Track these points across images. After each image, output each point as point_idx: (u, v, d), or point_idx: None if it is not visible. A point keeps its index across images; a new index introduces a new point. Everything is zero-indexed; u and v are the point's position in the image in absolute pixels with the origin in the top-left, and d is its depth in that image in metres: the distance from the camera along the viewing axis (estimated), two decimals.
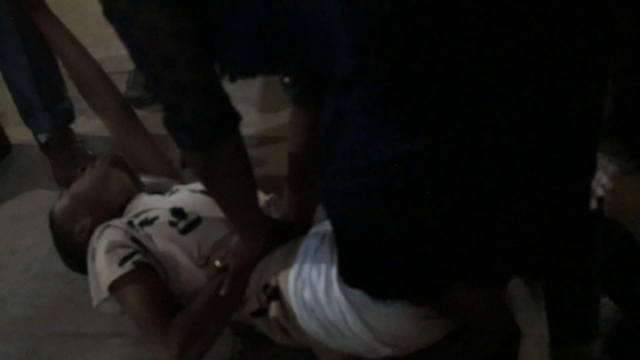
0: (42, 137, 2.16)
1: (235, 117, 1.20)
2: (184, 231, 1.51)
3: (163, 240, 1.50)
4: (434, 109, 0.98)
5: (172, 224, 1.52)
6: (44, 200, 2.11)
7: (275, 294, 1.43)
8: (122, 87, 2.35)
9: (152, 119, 2.14)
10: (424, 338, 1.39)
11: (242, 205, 1.37)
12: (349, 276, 1.30)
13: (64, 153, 2.14)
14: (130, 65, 2.33)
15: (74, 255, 1.68)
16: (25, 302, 1.83)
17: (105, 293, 1.46)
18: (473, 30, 0.92)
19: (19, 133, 2.36)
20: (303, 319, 1.38)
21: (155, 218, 1.54)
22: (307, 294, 1.36)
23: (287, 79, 1.37)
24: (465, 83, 0.95)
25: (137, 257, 1.46)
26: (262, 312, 1.46)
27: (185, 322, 1.42)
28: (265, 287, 1.44)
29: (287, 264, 1.43)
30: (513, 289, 1.39)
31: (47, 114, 2.10)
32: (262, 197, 1.65)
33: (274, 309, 1.43)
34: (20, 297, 1.85)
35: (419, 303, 1.30)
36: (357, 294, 1.31)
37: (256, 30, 1.05)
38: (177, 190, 1.67)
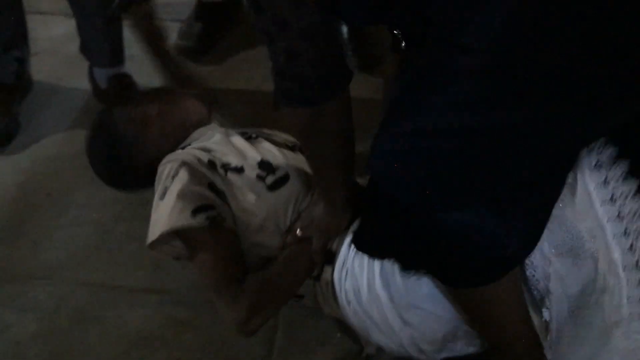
0: (103, 83, 2.09)
1: (349, 73, 1.13)
2: (272, 187, 1.41)
3: (248, 194, 1.39)
4: (556, 83, 0.93)
5: (260, 177, 1.41)
6: (83, 144, 2.01)
7: (331, 260, 1.39)
8: (173, 36, 2.27)
9: (201, 70, 2.09)
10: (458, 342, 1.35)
11: (338, 171, 1.31)
12: (371, 244, 1.26)
13: None
14: (184, 14, 2.33)
15: (121, 165, 1.56)
16: (58, 247, 1.78)
17: (164, 228, 1.35)
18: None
19: (65, 75, 2.29)
20: (344, 308, 1.36)
21: (241, 168, 1.42)
22: (348, 285, 1.34)
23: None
24: (591, 67, 0.91)
25: (211, 211, 1.35)
26: (319, 277, 1.43)
27: (256, 289, 1.35)
28: (328, 250, 1.41)
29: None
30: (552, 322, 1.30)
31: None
32: None
33: (327, 272, 1.39)
34: (54, 242, 1.79)
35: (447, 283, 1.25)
36: (399, 290, 1.29)
37: None
38: (256, 138, 1.53)
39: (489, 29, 0.92)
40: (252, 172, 1.41)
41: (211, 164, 1.40)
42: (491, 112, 0.97)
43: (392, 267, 1.29)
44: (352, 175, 1.35)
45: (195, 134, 1.52)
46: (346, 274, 1.35)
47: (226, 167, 1.41)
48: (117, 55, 2.12)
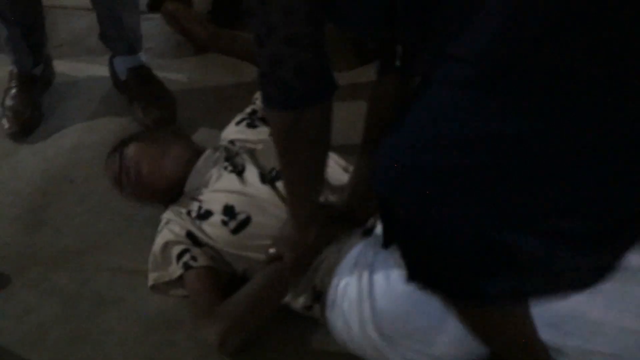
0: (123, 75, 2.14)
1: (333, 84, 1.16)
2: (235, 231, 1.52)
3: (216, 238, 1.54)
4: (553, 92, 0.91)
5: (224, 222, 1.53)
6: (104, 133, 2.08)
7: (318, 297, 1.42)
8: None
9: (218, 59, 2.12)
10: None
11: (309, 182, 1.33)
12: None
13: (146, 93, 2.11)
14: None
15: None
16: (79, 233, 1.81)
17: (158, 281, 1.60)
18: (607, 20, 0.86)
19: (86, 67, 2.34)
20: (342, 344, 1.39)
21: (210, 214, 1.55)
22: (340, 325, 1.35)
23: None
24: (586, 73, 0.89)
25: (186, 257, 1.54)
26: (311, 308, 1.46)
27: (229, 312, 1.44)
28: (314, 287, 1.43)
29: (333, 268, 1.40)
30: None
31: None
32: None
33: (316, 310, 1.44)
34: (75, 228, 1.83)
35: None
36: (396, 330, 1.28)
37: None
38: (241, 169, 1.62)
39: (479, 41, 0.92)
40: (218, 217, 1.54)
41: (189, 214, 1.58)
42: (486, 124, 0.94)
43: (383, 313, 1.28)
44: (322, 188, 1.38)
45: (191, 177, 1.68)
46: (336, 314, 1.35)
47: (198, 217, 1.57)
48: (135, 43, 2.15)
